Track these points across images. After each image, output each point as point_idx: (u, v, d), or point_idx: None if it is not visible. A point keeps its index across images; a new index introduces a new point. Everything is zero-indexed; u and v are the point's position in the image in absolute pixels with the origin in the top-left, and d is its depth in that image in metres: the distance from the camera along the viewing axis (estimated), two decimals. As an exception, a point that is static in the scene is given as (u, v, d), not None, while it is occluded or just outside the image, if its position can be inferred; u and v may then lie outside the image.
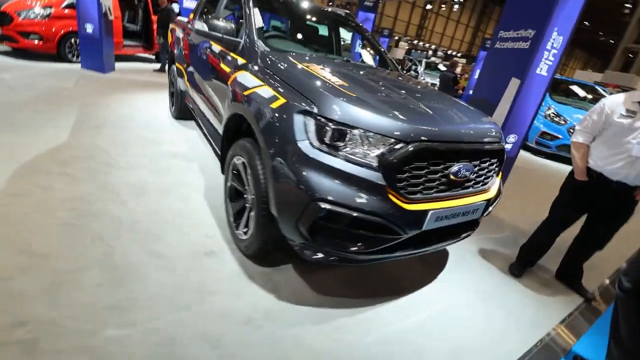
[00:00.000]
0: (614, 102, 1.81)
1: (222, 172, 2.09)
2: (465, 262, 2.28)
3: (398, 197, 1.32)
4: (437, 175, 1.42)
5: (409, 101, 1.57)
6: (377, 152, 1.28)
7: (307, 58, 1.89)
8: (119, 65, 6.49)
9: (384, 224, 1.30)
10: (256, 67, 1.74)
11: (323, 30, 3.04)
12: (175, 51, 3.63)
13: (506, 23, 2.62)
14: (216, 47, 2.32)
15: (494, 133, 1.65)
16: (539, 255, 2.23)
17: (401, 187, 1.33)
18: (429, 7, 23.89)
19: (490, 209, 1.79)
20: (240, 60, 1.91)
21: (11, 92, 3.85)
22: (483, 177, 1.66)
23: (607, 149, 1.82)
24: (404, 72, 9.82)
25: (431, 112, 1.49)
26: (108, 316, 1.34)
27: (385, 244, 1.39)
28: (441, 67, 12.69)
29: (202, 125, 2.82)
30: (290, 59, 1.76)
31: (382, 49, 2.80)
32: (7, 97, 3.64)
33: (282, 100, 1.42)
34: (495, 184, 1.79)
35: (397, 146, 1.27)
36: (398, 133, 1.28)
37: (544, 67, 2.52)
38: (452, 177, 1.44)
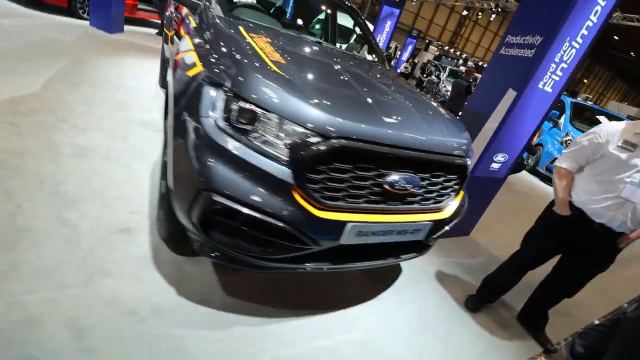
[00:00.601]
0: (612, 130, 1.53)
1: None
2: (418, 284, 2.05)
3: (309, 201, 1.11)
4: (368, 183, 1.20)
5: (357, 95, 1.33)
6: (289, 144, 1.07)
7: (262, 31, 1.67)
8: (129, 28, 6.42)
9: (287, 230, 1.10)
10: (199, 32, 1.54)
11: (317, 12, 2.80)
12: (167, 15, 3.48)
13: (516, 27, 2.30)
14: (184, 11, 2.13)
15: (455, 145, 1.41)
16: (502, 292, 1.97)
17: (315, 190, 1.11)
18: (465, 12, 22.77)
19: (444, 230, 1.56)
20: (193, 24, 1.72)
21: (5, 39, 3.79)
22: (435, 193, 1.43)
23: (596, 184, 1.54)
24: (424, 76, 9.37)
25: (376, 109, 1.26)
26: (-24, 281, 1.20)
27: (292, 253, 1.19)
28: (466, 76, 12.08)
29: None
30: (240, 28, 1.55)
31: (373, 39, 2.54)
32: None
33: (198, 68, 1.23)
34: (452, 204, 1.55)
35: (313, 140, 1.06)
36: (316, 125, 1.06)
37: (549, 82, 2.21)
38: (387, 187, 1.22)
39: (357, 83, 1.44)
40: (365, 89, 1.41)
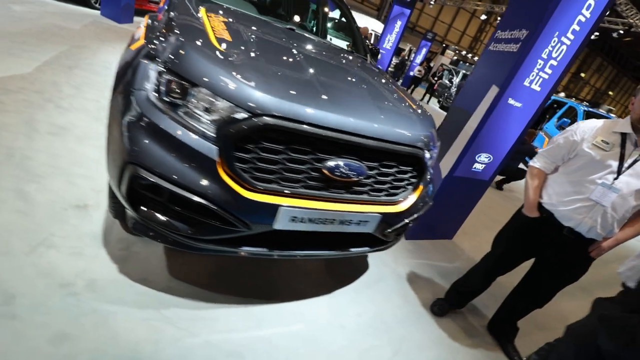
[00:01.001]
0: (588, 128, 1.42)
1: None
2: (383, 283, 1.97)
3: (237, 181, 1.07)
4: (304, 167, 1.15)
5: (303, 77, 1.27)
6: (216, 120, 1.04)
7: (226, 13, 1.64)
8: (140, 19, 6.58)
9: (213, 210, 1.06)
10: (160, 11, 1.53)
11: (305, 3, 2.76)
12: (164, 5, 3.52)
13: (506, 21, 2.19)
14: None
15: (410, 135, 1.33)
16: (470, 297, 1.87)
17: (244, 170, 1.07)
18: (484, 17, 22.17)
19: (401, 225, 1.48)
20: (161, 4, 1.71)
21: (11, 23, 3.93)
22: (387, 185, 1.36)
23: (568, 185, 1.44)
24: (435, 79, 9.05)
25: (320, 92, 1.20)
26: None
27: (223, 235, 1.15)
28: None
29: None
30: (202, 8, 1.53)
31: (357, 31, 2.48)
32: (3, 27, 3.72)
33: (140, 42, 1.21)
34: (410, 198, 1.47)
35: (238, 116, 1.02)
36: (242, 101, 1.02)
37: (536, 80, 2.09)
38: (327, 173, 1.17)
39: (311, 67, 1.38)
40: (318, 73, 1.35)
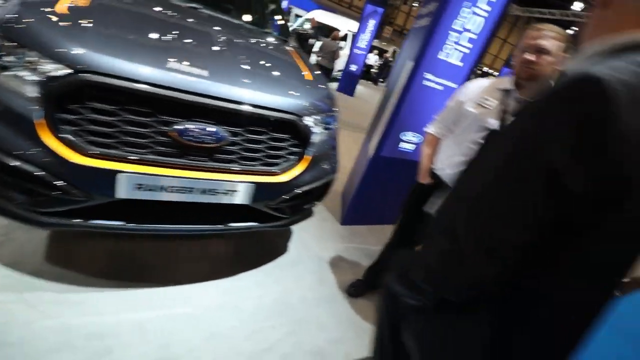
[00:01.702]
0: (475, 87, 1.38)
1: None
2: (300, 266, 1.90)
3: (67, 144, 1.01)
4: (149, 131, 1.09)
5: (160, 42, 1.21)
6: (41, 80, 0.99)
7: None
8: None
9: (40, 177, 1.01)
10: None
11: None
12: None
13: (426, -2, 2.18)
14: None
15: (284, 101, 1.29)
16: (382, 275, 1.80)
17: (74, 133, 1.02)
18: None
19: (290, 196, 1.43)
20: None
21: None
22: (261, 153, 1.31)
23: (455, 146, 1.39)
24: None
25: (172, 54, 1.15)
26: None
27: (63, 206, 1.09)
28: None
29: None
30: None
31: (284, 15, 2.45)
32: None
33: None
34: (295, 169, 1.42)
35: (61, 73, 0.97)
36: (66, 59, 0.98)
37: (453, 53, 2.05)
38: (176, 137, 1.11)
39: (176, 36, 1.32)
40: (180, 41, 1.30)
